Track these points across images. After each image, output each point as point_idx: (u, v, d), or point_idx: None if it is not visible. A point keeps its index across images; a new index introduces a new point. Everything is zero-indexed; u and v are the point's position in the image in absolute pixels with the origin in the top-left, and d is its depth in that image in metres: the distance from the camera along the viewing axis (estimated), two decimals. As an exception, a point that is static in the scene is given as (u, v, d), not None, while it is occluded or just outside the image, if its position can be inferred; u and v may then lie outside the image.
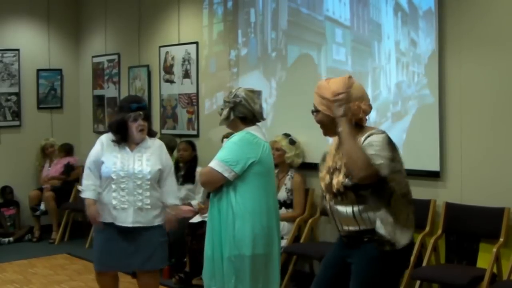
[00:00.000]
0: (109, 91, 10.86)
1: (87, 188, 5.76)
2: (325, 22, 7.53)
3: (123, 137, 5.74)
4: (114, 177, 5.67)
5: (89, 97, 11.23)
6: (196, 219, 7.53)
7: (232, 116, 5.24)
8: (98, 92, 11.09)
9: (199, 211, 7.67)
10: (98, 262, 5.91)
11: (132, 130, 5.71)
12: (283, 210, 7.43)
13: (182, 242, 7.60)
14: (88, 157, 5.88)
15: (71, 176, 10.59)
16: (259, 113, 5.29)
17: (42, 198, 10.41)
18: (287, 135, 7.66)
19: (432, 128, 6.48)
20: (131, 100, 5.97)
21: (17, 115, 10.98)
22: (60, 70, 11.40)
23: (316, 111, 4.13)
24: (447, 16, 6.42)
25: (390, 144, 3.91)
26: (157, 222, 5.79)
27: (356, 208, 3.96)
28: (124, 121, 5.71)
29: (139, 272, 5.92)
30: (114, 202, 5.67)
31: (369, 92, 6.97)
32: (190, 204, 8.21)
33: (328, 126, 4.08)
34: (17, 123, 11.00)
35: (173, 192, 5.93)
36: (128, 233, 5.71)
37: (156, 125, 9.92)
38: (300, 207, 7.51)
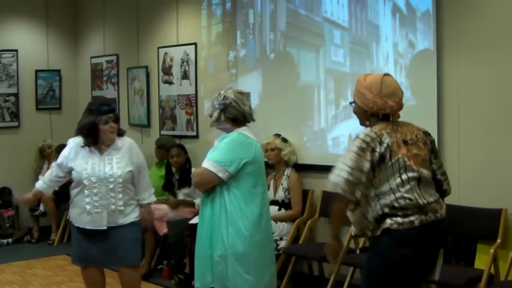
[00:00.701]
0: (108, 92, 10.87)
1: (41, 180, 6.02)
2: (323, 24, 7.55)
3: (94, 140, 5.75)
4: (86, 183, 5.72)
5: (87, 98, 11.19)
6: (196, 220, 7.53)
7: (222, 118, 5.29)
8: (97, 93, 11.09)
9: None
10: (75, 258, 6.05)
11: (103, 133, 5.72)
12: (281, 210, 7.46)
13: (182, 243, 7.61)
14: (59, 157, 5.99)
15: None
16: (249, 114, 5.34)
17: (41, 199, 10.41)
18: (277, 135, 7.69)
19: (430, 129, 6.44)
20: (101, 103, 5.97)
21: (15, 116, 10.99)
22: (59, 71, 11.42)
23: (353, 102, 4.44)
24: (445, 18, 6.44)
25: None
26: (131, 219, 5.85)
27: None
28: (95, 124, 5.70)
29: (119, 268, 5.98)
30: (88, 207, 5.72)
31: (367, 94, 7.02)
32: (187, 203, 8.26)
33: (362, 117, 4.41)
34: (15, 124, 11.01)
35: (147, 189, 5.97)
36: (102, 232, 5.77)
37: (155, 126, 9.96)
38: (297, 205, 7.53)
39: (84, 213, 5.75)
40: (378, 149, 4.15)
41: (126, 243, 5.82)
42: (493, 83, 6.13)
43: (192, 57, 9.29)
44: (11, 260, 9.11)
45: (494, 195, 6.11)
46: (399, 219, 4.12)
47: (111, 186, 5.70)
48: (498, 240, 5.98)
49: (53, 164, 6.03)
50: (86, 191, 5.73)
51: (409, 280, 4.27)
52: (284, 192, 7.52)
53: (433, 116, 6.47)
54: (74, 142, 5.90)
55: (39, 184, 6.00)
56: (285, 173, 7.60)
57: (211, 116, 5.34)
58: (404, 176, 4.17)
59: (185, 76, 9.42)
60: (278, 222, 7.31)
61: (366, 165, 4.13)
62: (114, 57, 10.78)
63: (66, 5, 11.53)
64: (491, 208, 6.07)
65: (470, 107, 6.28)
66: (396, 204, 4.14)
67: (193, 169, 8.13)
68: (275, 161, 7.56)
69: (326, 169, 7.42)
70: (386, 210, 4.15)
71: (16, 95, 10.96)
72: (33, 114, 11.19)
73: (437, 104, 6.46)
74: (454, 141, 6.37)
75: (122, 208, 5.76)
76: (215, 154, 5.20)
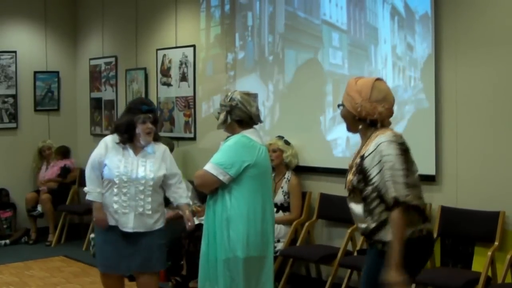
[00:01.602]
0: (107, 93, 10.86)
1: (93, 191, 5.75)
2: (322, 26, 7.55)
3: (129, 138, 5.69)
4: (117, 182, 5.64)
5: (86, 99, 11.23)
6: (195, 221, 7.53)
7: (229, 120, 5.26)
8: (96, 94, 11.09)
9: (196, 213, 7.66)
10: (100, 264, 5.94)
11: (140, 132, 5.67)
12: (280, 213, 7.45)
13: (179, 245, 7.60)
14: (91, 157, 5.82)
15: (68, 179, 10.61)
16: (256, 116, 5.30)
17: (38, 200, 10.41)
18: (280, 137, 7.69)
19: (428, 132, 6.50)
20: (142, 102, 5.94)
21: (14, 117, 10.98)
22: (57, 72, 11.40)
23: (341, 105, 4.29)
24: (444, 21, 6.45)
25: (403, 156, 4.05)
26: (157, 226, 5.79)
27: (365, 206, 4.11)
28: (133, 122, 5.66)
29: (137, 273, 5.89)
30: (115, 206, 5.66)
31: (366, 96, 7.02)
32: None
33: (350, 122, 4.26)
34: (14, 125, 11.00)
35: (186, 194, 5.92)
36: (127, 236, 5.71)
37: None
38: (297, 210, 7.52)
39: (112, 212, 5.68)
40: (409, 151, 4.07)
41: (151, 248, 5.75)
42: (491, 85, 6.14)
43: (190, 59, 9.29)
44: (9, 261, 9.08)
45: (492, 197, 6.12)
46: (420, 226, 4.05)
47: (141, 188, 5.64)
48: (496, 243, 5.99)
49: (89, 168, 5.78)
50: (115, 190, 5.66)
51: None
52: (284, 195, 7.51)
53: (431, 118, 6.48)
54: (109, 139, 5.81)
55: (95, 197, 5.74)
56: (286, 176, 7.59)
57: (217, 118, 5.32)
58: (417, 182, 4.08)
59: (183, 78, 9.42)
60: (276, 224, 7.30)
61: (415, 166, 4.07)
62: (112, 59, 10.77)
63: (65, 7, 11.52)
64: (489, 211, 6.08)
65: (468, 109, 6.29)
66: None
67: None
68: (277, 163, 7.55)
69: (323, 171, 7.55)
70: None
71: (14, 96, 10.94)
72: (32, 116, 11.17)
73: (435, 106, 6.47)
74: (452, 143, 6.38)
75: (150, 212, 5.69)
76: (216, 156, 5.19)
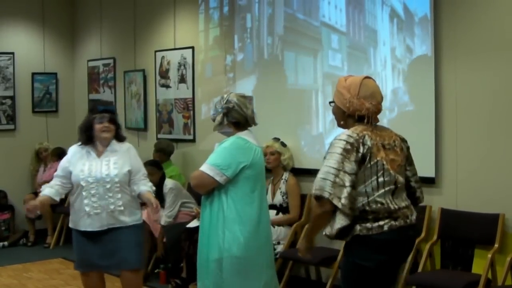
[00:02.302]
0: (105, 95, 10.85)
1: (46, 186, 6.03)
2: (321, 28, 7.55)
3: (88, 138, 5.85)
4: (84, 184, 5.76)
5: (84, 101, 11.22)
6: (194, 223, 7.52)
7: (225, 122, 5.29)
8: (94, 96, 11.08)
9: (197, 215, 7.67)
10: (78, 263, 6.08)
11: (97, 131, 5.80)
12: (279, 215, 7.46)
13: (179, 247, 7.60)
14: (59, 165, 6.05)
15: (66, 180, 10.57)
16: (251, 118, 5.36)
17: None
18: (277, 139, 7.70)
19: (428, 134, 6.51)
20: (97, 103, 6.12)
21: (11, 118, 10.98)
22: (55, 74, 11.40)
23: (332, 102, 4.43)
24: (443, 23, 6.45)
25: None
26: (131, 222, 5.87)
27: None
28: (90, 122, 5.83)
29: (121, 271, 5.97)
30: (87, 208, 5.76)
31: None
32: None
33: (339, 117, 4.38)
34: (11, 126, 11.00)
35: (149, 185, 5.97)
36: (103, 234, 5.81)
37: (152, 130, 9.95)
38: (295, 210, 7.52)
39: (84, 216, 5.78)
40: (361, 150, 4.10)
41: (127, 246, 5.83)
42: (491, 88, 6.14)
43: (189, 60, 9.29)
44: (7, 264, 9.07)
45: (491, 200, 6.12)
46: (368, 225, 4.09)
47: (108, 186, 5.75)
48: (496, 245, 6.00)
49: (57, 171, 6.04)
50: (84, 193, 5.77)
51: (384, 285, 4.28)
52: (282, 196, 7.51)
53: (431, 121, 6.48)
54: (75, 147, 5.99)
55: (47, 190, 5.98)
56: (283, 177, 7.60)
57: (214, 120, 5.34)
58: (380, 179, 4.13)
59: (182, 80, 9.41)
60: (276, 226, 7.31)
61: (353, 167, 4.06)
62: (111, 61, 10.77)
63: (63, 8, 11.52)
64: (489, 213, 6.08)
65: (468, 112, 6.29)
66: (367, 208, 4.10)
67: (168, 181, 8.21)
68: (274, 166, 7.56)
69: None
70: (357, 213, 4.09)
71: (12, 98, 10.94)
72: (30, 117, 11.17)
73: (435, 109, 6.47)
74: (452, 145, 6.38)
75: (121, 208, 5.79)
76: (212, 157, 5.23)
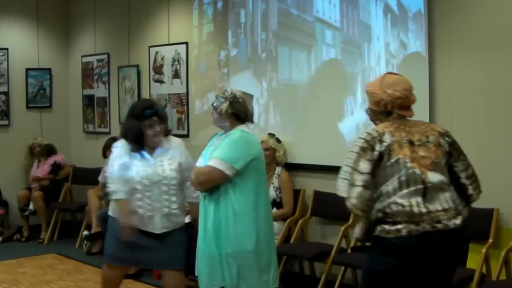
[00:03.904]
0: (99, 91, 10.84)
1: (118, 190, 5.60)
2: (315, 23, 7.55)
3: (140, 146, 5.64)
4: (139, 187, 5.57)
5: (78, 97, 11.21)
6: (187, 219, 7.49)
7: (230, 111, 5.25)
8: (88, 92, 11.07)
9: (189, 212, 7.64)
10: (112, 257, 5.82)
11: (148, 138, 5.62)
12: (273, 209, 7.46)
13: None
14: (110, 163, 5.75)
15: (60, 175, 10.54)
16: (250, 114, 5.36)
17: (30, 197, 10.38)
18: (272, 135, 7.70)
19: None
20: (144, 107, 5.76)
21: (5, 114, 10.95)
22: (49, 69, 11.37)
23: (367, 110, 4.34)
24: (437, 18, 6.46)
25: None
26: (182, 224, 5.79)
27: None
28: (140, 130, 5.60)
29: (163, 271, 5.85)
30: (140, 210, 5.57)
31: (358, 94, 7.05)
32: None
33: (374, 118, 4.27)
34: (5, 122, 10.97)
35: (195, 198, 5.71)
36: (152, 235, 5.65)
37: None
38: (289, 205, 7.54)
39: (137, 219, 5.56)
40: (377, 148, 3.97)
41: (176, 246, 5.71)
42: (484, 83, 6.15)
43: (183, 56, 9.28)
44: (1, 259, 9.06)
45: (486, 195, 6.03)
46: (386, 227, 3.93)
47: (164, 188, 5.59)
48: (490, 240, 6.02)
49: (110, 173, 5.69)
50: (138, 194, 5.58)
51: None
52: (276, 191, 7.52)
53: (425, 116, 6.48)
54: (122, 144, 5.74)
55: (120, 195, 5.59)
56: (276, 172, 7.61)
57: (215, 109, 5.29)
58: (403, 178, 3.95)
59: (176, 75, 9.41)
60: (271, 221, 7.31)
61: (366, 166, 3.95)
62: (105, 56, 10.76)
63: (57, 4, 11.49)
64: (483, 208, 6.06)
65: (462, 107, 6.30)
66: (387, 210, 3.93)
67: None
68: (269, 161, 7.55)
69: (317, 168, 7.55)
70: (380, 215, 3.96)
71: (6, 94, 10.91)
72: (24, 113, 11.14)
73: (429, 105, 6.48)
74: (446, 141, 6.38)
75: (176, 211, 5.66)
76: (220, 151, 5.15)
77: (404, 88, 4.16)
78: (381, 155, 3.97)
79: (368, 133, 4.04)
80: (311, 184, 7.58)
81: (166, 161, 5.66)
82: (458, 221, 4.08)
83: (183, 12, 9.34)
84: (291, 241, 7.37)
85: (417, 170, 3.98)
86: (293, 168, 7.71)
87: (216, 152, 5.17)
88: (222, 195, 5.17)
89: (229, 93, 5.30)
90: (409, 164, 3.98)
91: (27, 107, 11.19)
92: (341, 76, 7.29)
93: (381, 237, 3.96)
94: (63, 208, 10.39)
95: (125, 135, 5.77)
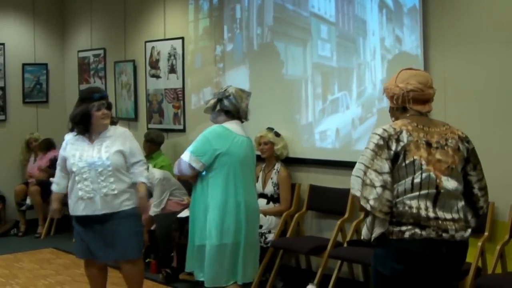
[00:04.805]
0: (95, 86, 10.82)
1: (53, 183, 6.22)
2: (310, 18, 7.57)
3: (85, 128, 5.83)
4: (75, 169, 5.81)
5: (75, 91, 11.19)
6: (184, 213, 7.53)
7: (218, 107, 5.56)
8: (84, 87, 11.00)
9: (188, 205, 7.68)
10: (78, 251, 6.16)
11: (96, 119, 5.79)
12: (270, 205, 7.48)
13: (169, 237, 7.62)
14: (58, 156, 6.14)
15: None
16: (243, 112, 5.60)
17: (27, 192, 10.40)
18: (271, 129, 7.71)
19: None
20: (91, 91, 6.03)
21: (2, 109, 10.97)
22: (46, 64, 11.39)
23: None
24: (431, 13, 6.47)
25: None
26: (125, 206, 5.85)
27: None
28: (87, 111, 5.79)
29: (120, 262, 6.02)
30: (80, 193, 5.78)
31: (354, 88, 7.07)
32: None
33: (392, 115, 4.16)
34: (2, 117, 10.99)
35: (141, 172, 5.95)
36: (101, 222, 5.82)
37: (142, 120, 9.97)
38: (286, 201, 7.54)
39: (79, 200, 5.80)
40: (393, 147, 3.81)
41: (125, 236, 5.84)
42: (479, 78, 6.17)
43: (179, 51, 9.30)
44: (-2, 254, 9.10)
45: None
46: (390, 227, 3.79)
47: (99, 169, 5.75)
48: (486, 233, 6.04)
49: (57, 162, 6.19)
50: (77, 178, 5.80)
51: None
52: (274, 186, 7.53)
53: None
54: (68, 136, 6.01)
55: (55, 187, 6.20)
56: (275, 167, 7.61)
57: (207, 104, 5.56)
58: (416, 180, 3.81)
59: (172, 70, 9.43)
60: (267, 216, 7.33)
61: (384, 165, 3.79)
62: (101, 51, 10.77)
63: (53, -1, 11.53)
64: (478, 202, 6.11)
65: (457, 102, 6.31)
66: (394, 209, 3.78)
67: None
68: (268, 155, 7.59)
69: (313, 163, 7.57)
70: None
71: (3, 89, 10.93)
72: (20, 108, 11.16)
73: (424, 99, 6.50)
74: (440, 135, 6.41)
75: (115, 192, 5.78)
76: (192, 145, 5.52)
77: (419, 82, 4.03)
78: (396, 155, 3.83)
79: (385, 130, 3.89)
80: (306, 178, 7.60)
81: (104, 145, 5.83)
82: (466, 234, 3.93)
83: (179, 7, 9.35)
84: (287, 235, 7.39)
85: (432, 174, 3.83)
86: (288, 162, 7.73)
87: (190, 146, 5.49)
88: (199, 188, 5.56)
89: (222, 90, 5.57)
90: (424, 167, 3.83)
91: (24, 102, 11.21)
92: (337, 70, 7.30)
93: (385, 237, 3.82)
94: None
95: (72, 118, 5.93)
